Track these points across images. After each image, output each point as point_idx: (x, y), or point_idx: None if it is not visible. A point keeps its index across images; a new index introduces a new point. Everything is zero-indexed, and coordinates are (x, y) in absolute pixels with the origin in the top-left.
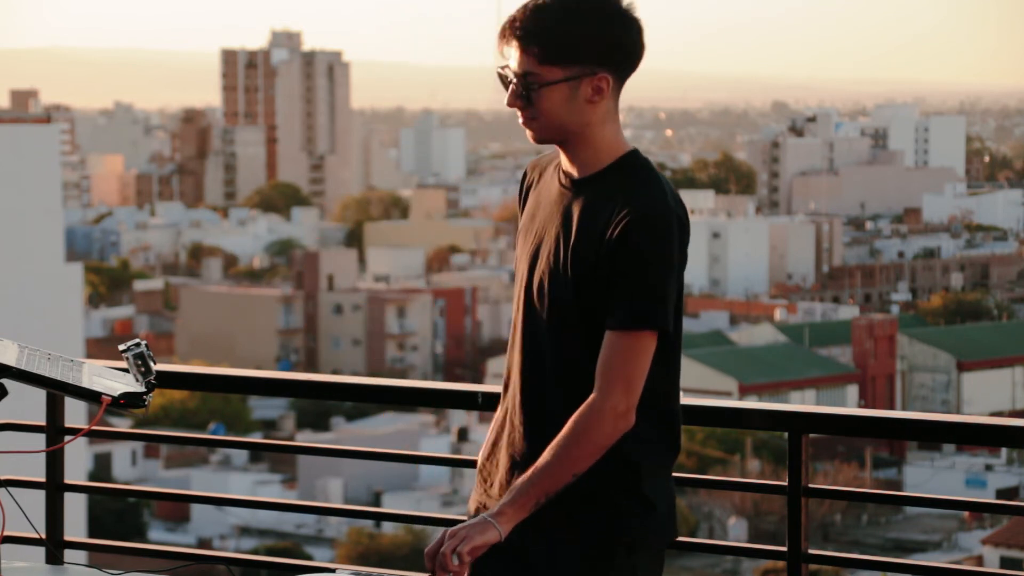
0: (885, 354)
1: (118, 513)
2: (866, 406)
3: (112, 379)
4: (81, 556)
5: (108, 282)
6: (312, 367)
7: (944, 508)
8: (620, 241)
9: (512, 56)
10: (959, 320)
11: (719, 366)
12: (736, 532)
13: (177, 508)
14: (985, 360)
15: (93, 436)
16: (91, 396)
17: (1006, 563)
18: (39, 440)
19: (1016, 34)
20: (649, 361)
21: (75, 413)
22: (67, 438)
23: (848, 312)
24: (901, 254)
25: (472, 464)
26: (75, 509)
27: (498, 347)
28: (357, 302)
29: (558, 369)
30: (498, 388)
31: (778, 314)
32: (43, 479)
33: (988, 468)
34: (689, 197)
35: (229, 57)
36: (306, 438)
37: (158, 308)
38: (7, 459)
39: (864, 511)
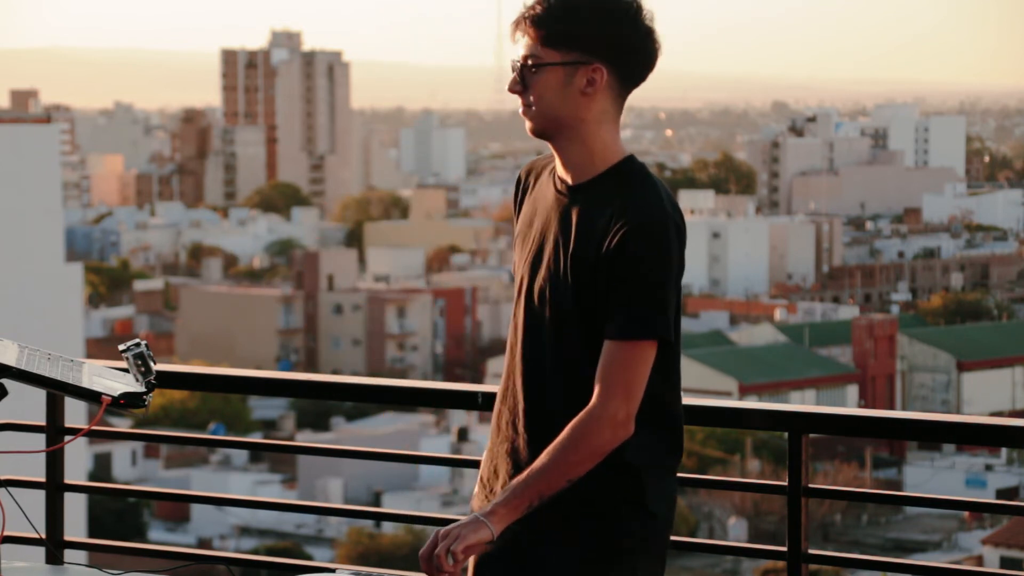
0: (885, 354)
1: (118, 513)
2: (866, 406)
3: (112, 379)
4: (81, 556)
5: (108, 282)
6: (312, 367)
7: (944, 508)
8: (618, 249)
9: (520, 42)
10: (959, 320)
11: (719, 366)
12: (736, 532)
13: (177, 508)
14: (985, 360)
15: (93, 436)
16: (91, 396)
17: (1006, 563)
18: (39, 440)
19: (1016, 34)
20: (648, 369)
21: (75, 413)
22: (67, 438)
23: (848, 312)
24: (901, 254)
25: (472, 464)
26: (75, 509)
27: (498, 347)
28: (357, 302)
29: (559, 376)
30: (498, 388)
31: (778, 314)
32: (43, 479)
33: (988, 468)
34: (689, 197)
35: (229, 57)
36: (306, 438)
37: (158, 308)
38: (7, 459)
39: (864, 511)
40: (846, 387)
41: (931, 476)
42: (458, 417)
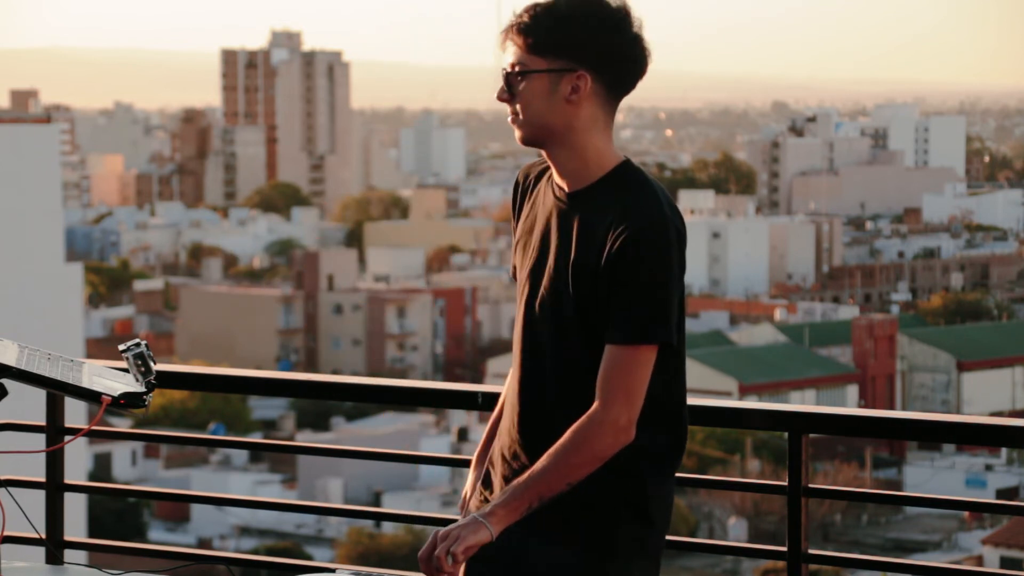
0: (885, 354)
1: (118, 513)
2: (866, 406)
3: (112, 379)
4: (81, 556)
5: (108, 282)
6: (312, 367)
7: (944, 508)
8: (619, 255)
9: (509, 51)
10: (959, 320)
11: (719, 366)
12: (736, 532)
13: (177, 508)
14: (985, 360)
15: (93, 436)
16: (91, 396)
17: (1006, 563)
18: (39, 440)
19: (1016, 34)
20: (649, 374)
21: (75, 413)
22: (67, 438)
23: (848, 312)
24: (901, 254)
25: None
26: (75, 509)
27: (498, 347)
28: (357, 302)
29: (561, 384)
30: (498, 388)
31: (778, 314)
32: (43, 479)
33: (988, 468)
34: (689, 197)
35: (229, 57)
36: (306, 438)
37: (158, 308)
38: (7, 459)
39: (864, 511)
40: (846, 387)
41: (931, 476)
42: (458, 417)
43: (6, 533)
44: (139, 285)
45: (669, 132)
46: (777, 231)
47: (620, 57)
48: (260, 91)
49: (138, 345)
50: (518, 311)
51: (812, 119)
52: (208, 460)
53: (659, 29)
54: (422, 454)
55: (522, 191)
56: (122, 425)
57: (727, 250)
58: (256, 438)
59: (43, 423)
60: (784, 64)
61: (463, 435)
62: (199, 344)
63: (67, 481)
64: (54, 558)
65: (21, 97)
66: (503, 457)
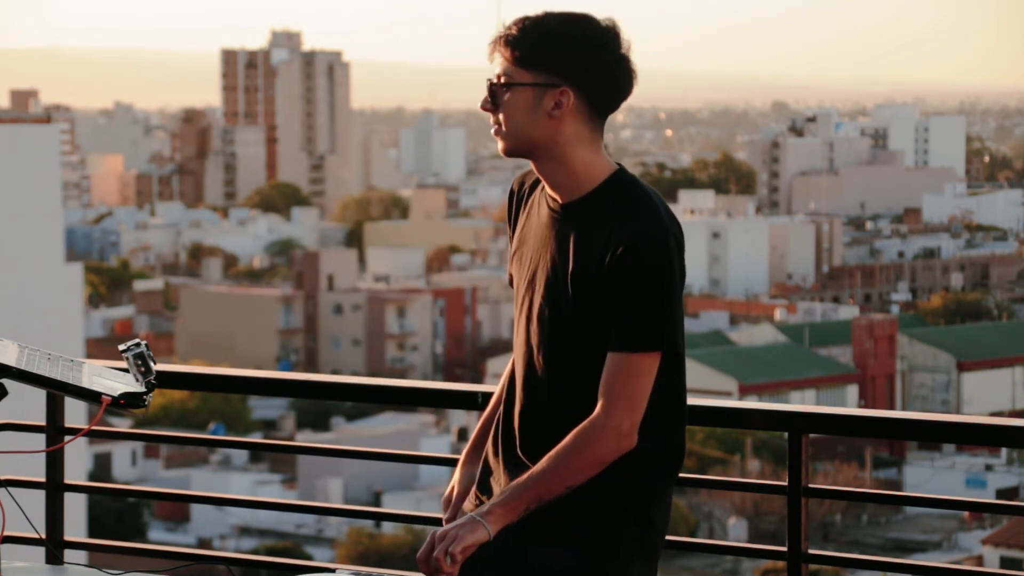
0: (885, 354)
1: (118, 513)
2: (866, 406)
3: (112, 379)
4: (81, 556)
5: (108, 282)
6: (312, 367)
7: (944, 508)
8: (620, 265)
9: (496, 61)
10: (959, 320)
11: (719, 366)
12: (736, 532)
13: (177, 508)
14: (985, 360)
15: (93, 436)
16: (91, 396)
17: (1006, 563)
18: (39, 440)
19: (1016, 34)
20: (651, 380)
21: (75, 413)
22: (67, 438)
23: (848, 312)
24: (901, 254)
25: None
26: (75, 509)
27: (498, 347)
28: (357, 302)
29: (560, 390)
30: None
31: (778, 314)
32: (43, 479)
33: (988, 468)
34: (689, 197)
35: (229, 57)
36: (306, 438)
37: (158, 308)
38: (7, 459)
39: (864, 511)
40: (846, 387)
41: (931, 476)
42: (458, 417)
43: (6, 533)
44: (139, 285)
45: (669, 132)
46: (777, 231)
47: (604, 76)
48: (260, 91)
49: (138, 345)
50: (517, 320)
51: (812, 119)
52: (208, 460)
53: (659, 29)
54: (422, 454)
55: (517, 200)
56: (122, 425)
57: (727, 250)
58: (256, 438)
59: (43, 423)
60: (784, 64)
61: (463, 435)
62: (199, 344)
63: (67, 481)
64: (54, 558)
65: (21, 97)
66: (500, 460)
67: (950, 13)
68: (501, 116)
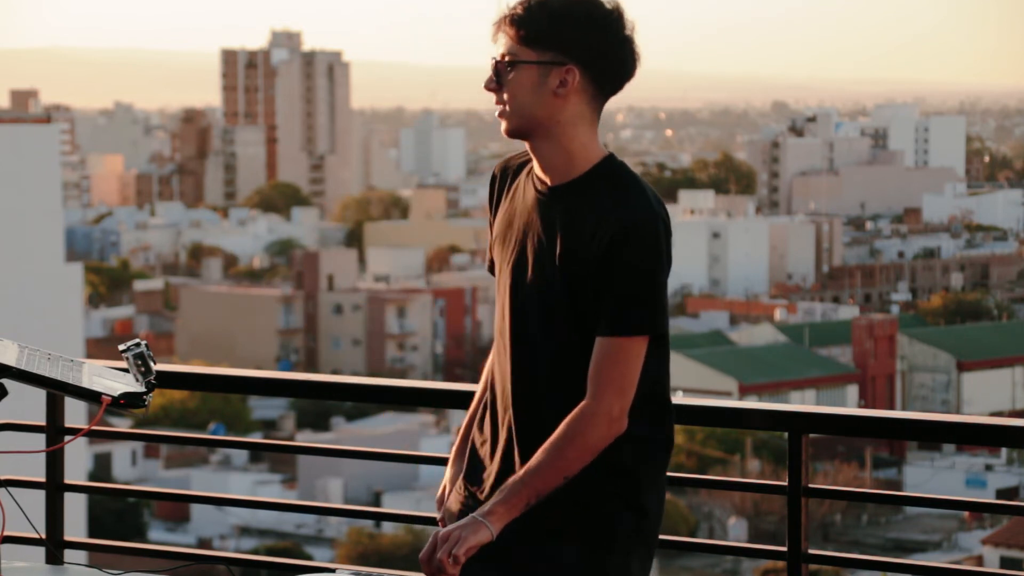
0: (885, 354)
1: (118, 513)
2: (866, 406)
3: (112, 379)
4: (81, 556)
5: (108, 282)
6: (312, 367)
7: (944, 508)
8: (610, 249)
9: (500, 42)
10: (959, 320)
11: (719, 366)
12: (736, 532)
13: (177, 508)
14: (985, 360)
15: (93, 436)
16: (91, 396)
17: (1006, 563)
18: (39, 440)
19: (1016, 34)
20: (640, 365)
21: (75, 413)
22: (67, 438)
23: (848, 312)
24: (901, 254)
25: None
26: (75, 509)
27: None
28: (357, 302)
29: (551, 377)
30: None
31: (778, 314)
32: (43, 479)
33: (988, 468)
34: (689, 197)
35: (229, 57)
36: (306, 438)
37: (158, 308)
38: (7, 459)
39: (864, 511)
40: (846, 387)
41: (931, 476)
42: (458, 417)
43: (6, 533)
44: (139, 285)
45: (669, 132)
46: (777, 231)
47: (609, 56)
48: (260, 91)
49: (138, 345)
50: (500, 303)
51: (812, 119)
52: (208, 460)
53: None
54: (422, 454)
55: (499, 185)
56: (122, 425)
57: (727, 250)
58: (256, 438)
59: (43, 423)
60: (784, 64)
61: None
62: (199, 344)
63: (67, 481)
64: (54, 558)
65: (21, 97)
66: (492, 450)
67: (950, 13)
68: (505, 95)
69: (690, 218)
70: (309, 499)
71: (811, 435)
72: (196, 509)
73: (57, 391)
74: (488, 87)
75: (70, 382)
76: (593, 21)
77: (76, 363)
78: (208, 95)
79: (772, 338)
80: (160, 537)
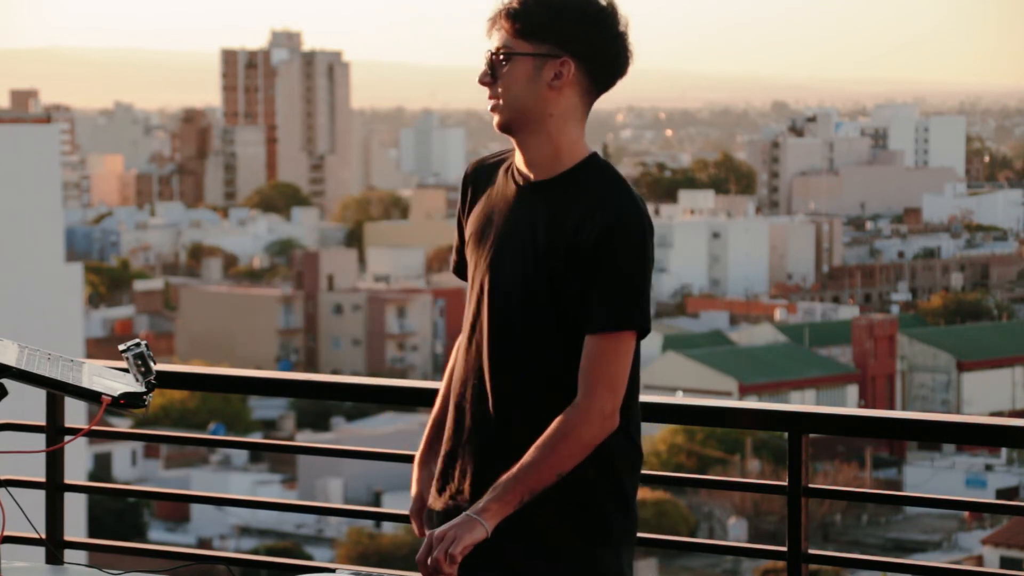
0: (885, 354)
1: (118, 513)
2: (866, 406)
3: (112, 379)
4: (81, 556)
5: (108, 282)
6: (312, 367)
7: (944, 508)
8: (598, 246)
9: (495, 36)
10: (959, 320)
11: (719, 366)
12: (736, 532)
13: (177, 508)
14: (985, 360)
15: (93, 436)
16: (91, 396)
17: (1006, 563)
18: (39, 440)
19: (1016, 34)
20: (630, 361)
21: (75, 413)
22: (67, 438)
23: (848, 312)
24: (901, 254)
25: None
26: (75, 509)
27: None
28: (357, 302)
29: (532, 372)
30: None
31: (778, 314)
32: (43, 479)
33: (988, 468)
34: (689, 197)
35: (229, 57)
36: (306, 438)
37: (158, 308)
38: (7, 459)
39: (864, 511)
40: (846, 387)
41: (931, 476)
42: None
43: (6, 533)
44: (139, 285)
45: (669, 132)
46: (777, 231)
47: (604, 50)
48: (260, 91)
49: (138, 345)
50: (474, 301)
51: (812, 119)
52: (208, 460)
53: (659, 28)
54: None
55: (474, 184)
56: (122, 425)
57: (727, 250)
58: (256, 438)
59: (43, 423)
60: (784, 64)
61: None
62: (199, 344)
63: (67, 481)
64: (54, 558)
65: (21, 97)
66: (471, 450)
67: (950, 13)
68: (500, 88)
69: (690, 218)
70: (309, 499)
71: (811, 435)
72: (196, 509)
73: (57, 391)
74: (483, 81)
75: (70, 382)
76: (589, 15)
77: (76, 363)
78: (208, 95)
79: (772, 338)
80: (160, 537)
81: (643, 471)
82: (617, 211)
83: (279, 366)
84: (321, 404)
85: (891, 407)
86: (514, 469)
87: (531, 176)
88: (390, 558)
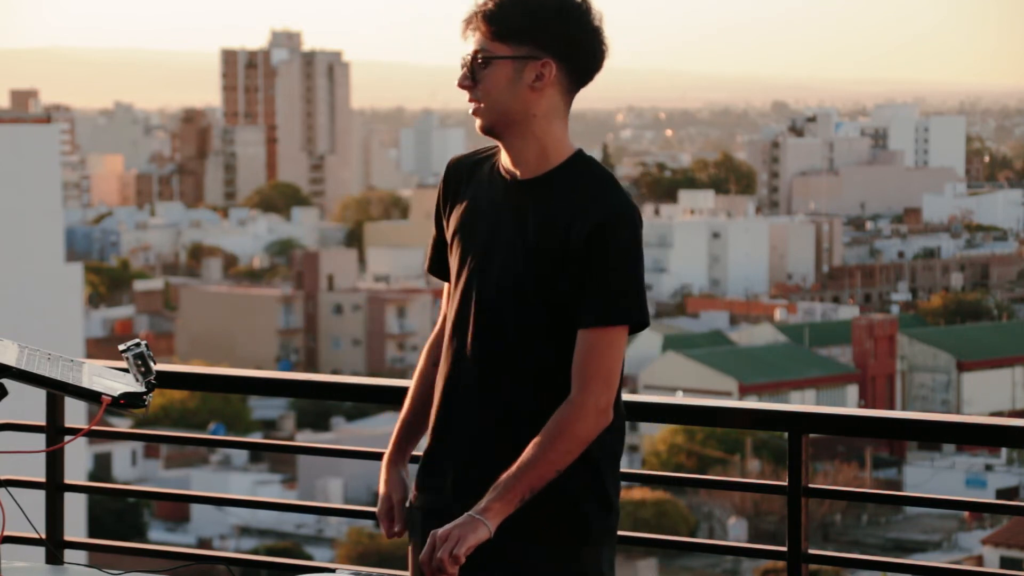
0: (885, 354)
1: (118, 513)
2: (866, 406)
3: (112, 379)
4: (81, 556)
5: (108, 282)
6: (312, 367)
7: (944, 508)
8: (592, 241)
9: (471, 39)
10: (959, 320)
11: (719, 366)
12: (736, 532)
13: (177, 508)
14: (985, 360)
15: (93, 436)
16: (91, 396)
17: (1006, 563)
18: (39, 440)
19: (1016, 34)
20: (623, 355)
21: (75, 413)
22: (67, 438)
23: (848, 312)
24: (901, 254)
25: None
26: (75, 509)
27: None
28: (357, 302)
29: (524, 371)
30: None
31: (778, 314)
32: (43, 479)
33: (988, 468)
34: (689, 197)
35: (229, 57)
36: (306, 438)
37: (158, 308)
38: (7, 459)
39: (864, 511)
40: (846, 387)
41: (931, 476)
42: None
43: (6, 533)
44: (139, 285)
45: (669, 132)
46: (777, 231)
47: (583, 47)
48: (260, 91)
49: (138, 345)
50: (457, 299)
51: (812, 119)
52: (208, 460)
53: (659, 29)
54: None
55: (455, 181)
56: (122, 425)
57: (727, 250)
58: (256, 438)
59: (43, 423)
60: (784, 64)
61: None
62: (199, 344)
63: (67, 481)
64: (54, 558)
65: (21, 97)
66: (461, 448)
67: (950, 13)
68: (480, 92)
69: (690, 218)
70: (309, 499)
71: (811, 435)
72: (196, 509)
73: (57, 391)
74: (462, 84)
75: (70, 382)
76: (566, 13)
77: (76, 363)
78: (208, 95)
79: (772, 338)
80: (160, 537)
81: (643, 471)
82: (608, 207)
83: (279, 366)
84: (321, 404)
85: (891, 407)
86: (513, 468)
87: (518, 174)
88: (390, 558)
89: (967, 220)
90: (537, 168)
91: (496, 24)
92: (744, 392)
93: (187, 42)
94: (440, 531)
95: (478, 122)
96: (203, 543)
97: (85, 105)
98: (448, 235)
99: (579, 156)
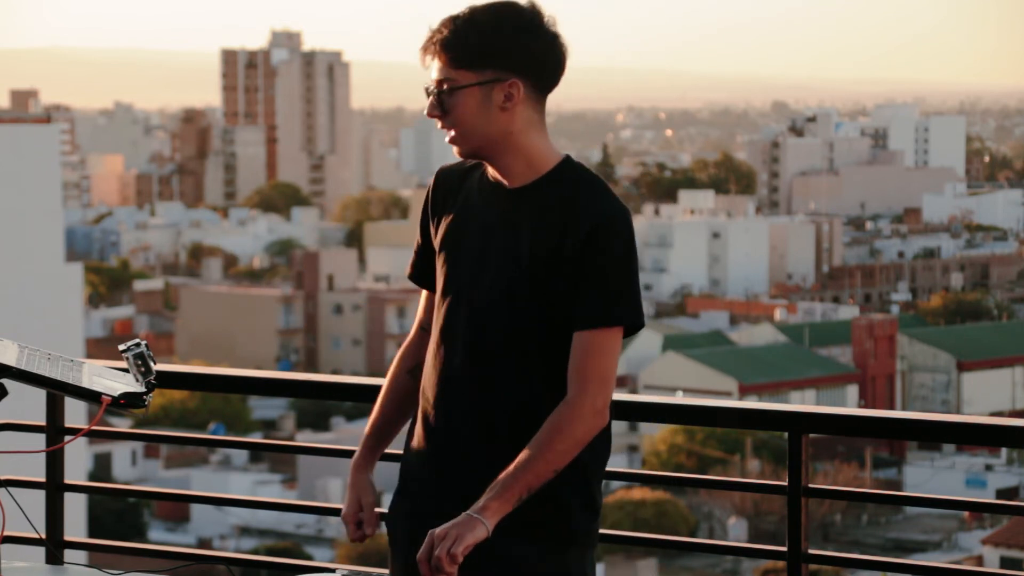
0: (885, 354)
1: (118, 513)
2: (866, 406)
3: (112, 379)
4: (81, 556)
5: (108, 282)
6: (312, 367)
7: (944, 508)
8: (586, 245)
9: (432, 67)
10: (959, 320)
11: (719, 366)
12: (736, 532)
13: (177, 508)
14: (985, 360)
15: (93, 436)
16: (91, 396)
17: (1006, 563)
18: (39, 440)
19: (1016, 34)
20: (618, 356)
21: (75, 413)
22: (67, 438)
23: (848, 312)
24: (901, 254)
25: None
26: (75, 509)
27: None
28: (357, 302)
29: (516, 375)
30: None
31: (778, 314)
32: (43, 479)
33: (988, 468)
34: (689, 197)
35: (229, 57)
36: (306, 438)
37: (158, 308)
38: (7, 459)
39: (864, 511)
40: (846, 387)
41: (931, 476)
42: None
43: (6, 533)
44: (139, 285)
45: (669, 132)
46: (777, 231)
47: (545, 59)
48: (260, 91)
49: (138, 345)
50: (445, 305)
51: (812, 119)
52: (208, 460)
53: (658, 29)
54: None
55: (444, 191)
56: (122, 425)
57: (727, 250)
58: (256, 438)
59: (43, 423)
60: (784, 64)
61: None
62: (199, 344)
63: (67, 481)
64: (54, 558)
65: (21, 97)
66: (449, 451)
67: (950, 13)
68: (452, 120)
69: (690, 218)
70: (309, 499)
71: (811, 435)
72: (196, 509)
73: (57, 391)
74: (432, 114)
75: (70, 382)
76: (523, 29)
77: (76, 363)
78: (208, 95)
79: (772, 338)
80: (160, 537)
81: (643, 471)
82: (600, 211)
83: (279, 366)
84: (321, 404)
85: (891, 407)
86: (511, 468)
87: (507, 183)
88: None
89: (967, 220)
90: (526, 177)
91: (454, 51)
92: (744, 392)
93: (187, 42)
94: (438, 530)
95: (455, 150)
96: (203, 543)
97: (85, 105)
98: (436, 244)
99: (567, 162)
